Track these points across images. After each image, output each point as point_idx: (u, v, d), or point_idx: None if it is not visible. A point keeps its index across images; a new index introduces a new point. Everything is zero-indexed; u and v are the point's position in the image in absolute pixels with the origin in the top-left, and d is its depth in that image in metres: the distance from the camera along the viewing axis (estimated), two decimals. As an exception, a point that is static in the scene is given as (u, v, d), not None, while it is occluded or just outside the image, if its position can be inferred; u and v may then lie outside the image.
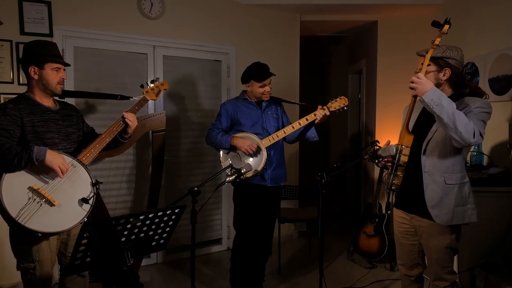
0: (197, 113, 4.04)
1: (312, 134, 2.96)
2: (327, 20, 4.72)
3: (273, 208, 3.06)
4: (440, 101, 1.84)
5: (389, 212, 3.78)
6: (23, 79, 3.16)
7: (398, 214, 2.24)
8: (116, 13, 3.54)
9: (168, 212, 1.82)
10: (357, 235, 3.87)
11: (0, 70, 3.10)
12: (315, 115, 2.77)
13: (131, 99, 2.75)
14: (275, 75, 2.91)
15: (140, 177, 3.71)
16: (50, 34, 3.25)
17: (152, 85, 2.63)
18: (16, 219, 1.88)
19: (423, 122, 2.10)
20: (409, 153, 2.04)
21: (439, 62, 2.00)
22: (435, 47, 1.93)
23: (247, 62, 2.99)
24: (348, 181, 5.94)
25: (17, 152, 1.91)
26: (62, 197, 2.03)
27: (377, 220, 3.76)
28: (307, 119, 2.79)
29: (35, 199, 1.96)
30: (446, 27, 1.85)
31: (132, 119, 2.32)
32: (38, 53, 2.10)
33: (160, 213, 1.80)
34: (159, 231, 1.86)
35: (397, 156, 2.05)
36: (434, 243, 2.06)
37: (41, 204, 1.97)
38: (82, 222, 2.05)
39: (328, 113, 2.77)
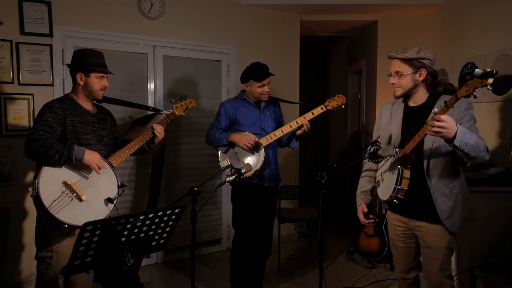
0: (197, 113, 4.03)
1: (293, 145, 3.02)
2: (327, 20, 4.73)
3: (271, 207, 3.07)
4: (467, 140, 1.74)
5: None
6: (23, 79, 3.16)
7: (394, 217, 2.22)
8: (116, 13, 3.54)
9: (168, 212, 1.83)
10: (357, 235, 3.87)
11: (0, 70, 3.10)
12: (312, 114, 2.81)
13: (161, 112, 2.96)
14: (274, 75, 2.91)
15: (140, 177, 3.71)
16: (50, 34, 3.25)
17: (181, 102, 2.80)
18: (49, 209, 2.03)
19: (411, 136, 1.96)
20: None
21: (414, 63, 1.96)
22: (465, 94, 1.63)
23: (247, 62, 2.99)
24: (348, 181, 5.94)
25: (59, 149, 2.07)
26: (90, 194, 2.19)
27: (377, 220, 3.75)
28: (304, 117, 2.82)
29: (67, 193, 2.12)
30: (490, 80, 1.55)
31: (160, 131, 2.52)
32: (86, 62, 2.27)
33: (160, 213, 1.81)
34: (159, 231, 1.87)
35: (398, 180, 1.95)
36: (434, 242, 2.05)
37: (72, 199, 2.12)
38: None
39: (308, 126, 2.82)
